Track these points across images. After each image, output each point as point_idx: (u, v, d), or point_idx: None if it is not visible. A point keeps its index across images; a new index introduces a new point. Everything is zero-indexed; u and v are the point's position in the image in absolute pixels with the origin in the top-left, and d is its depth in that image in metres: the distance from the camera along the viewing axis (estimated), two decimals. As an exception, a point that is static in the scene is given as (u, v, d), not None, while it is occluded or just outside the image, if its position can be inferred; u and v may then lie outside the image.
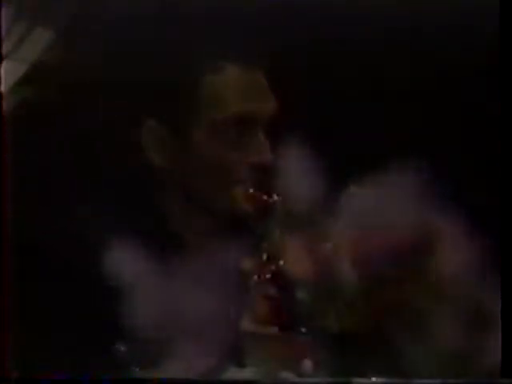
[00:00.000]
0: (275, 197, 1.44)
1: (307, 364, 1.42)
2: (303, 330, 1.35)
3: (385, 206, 1.60)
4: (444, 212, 1.64)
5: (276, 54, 1.74)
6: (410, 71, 1.73)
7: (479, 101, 1.59)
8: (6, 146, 1.48)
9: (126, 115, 1.66)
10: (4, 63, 1.52)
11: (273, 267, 1.42)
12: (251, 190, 1.46)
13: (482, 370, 1.37)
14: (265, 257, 1.42)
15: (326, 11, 1.58)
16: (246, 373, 1.39)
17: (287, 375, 1.38)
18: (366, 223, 1.52)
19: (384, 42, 1.68)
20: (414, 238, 1.49)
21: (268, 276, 1.42)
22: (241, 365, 1.40)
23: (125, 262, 1.50)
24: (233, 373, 1.39)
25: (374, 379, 1.33)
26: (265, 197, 1.44)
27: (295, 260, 1.41)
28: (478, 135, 1.62)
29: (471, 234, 1.49)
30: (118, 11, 1.59)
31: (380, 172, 1.65)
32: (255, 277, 1.41)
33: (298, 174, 1.44)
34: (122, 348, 1.41)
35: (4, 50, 1.54)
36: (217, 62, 1.53)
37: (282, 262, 1.43)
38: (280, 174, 1.48)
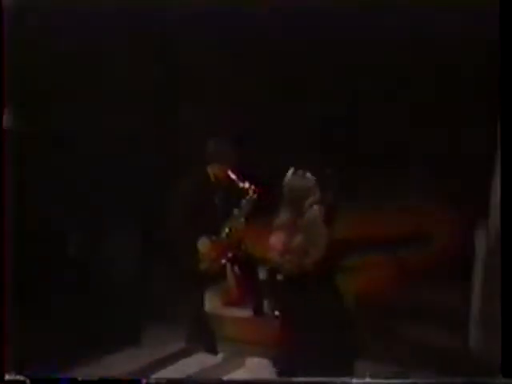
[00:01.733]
0: (247, 184, 1.49)
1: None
2: (276, 313, 1.39)
3: (384, 202, 1.61)
4: (443, 209, 1.63)
5: (277, 55, 1.74)
6: (411, 72, 1.73)
7: (479, 101, 1.59)
8: (5, 146, 1.49)
9: (126, 116, 1.66)
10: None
11: (238, 251, 1.50)
12: (229, 172, 1.49)
13: (482, 368, 1.37)
14: (229, 241, 1.49)
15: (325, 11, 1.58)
16: (218, 357, 1.42)
17: (253, 361, 1.40)
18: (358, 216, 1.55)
19: (384, 43, 1.68)
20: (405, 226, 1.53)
21: (232, 259, 1.50)
22: (213, 351, 1.42)
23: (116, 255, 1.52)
24: (204, 357, 1.42)
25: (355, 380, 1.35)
26: (241, 184, 1.49)
27: (260, 245, 1.46)
28: (477, 135, 1.61)
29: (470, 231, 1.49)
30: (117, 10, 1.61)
31: (379, 170, 1.65)
32: (222, 260, 1.48)
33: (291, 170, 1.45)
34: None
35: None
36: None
37: (245, 246, 1.51)
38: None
